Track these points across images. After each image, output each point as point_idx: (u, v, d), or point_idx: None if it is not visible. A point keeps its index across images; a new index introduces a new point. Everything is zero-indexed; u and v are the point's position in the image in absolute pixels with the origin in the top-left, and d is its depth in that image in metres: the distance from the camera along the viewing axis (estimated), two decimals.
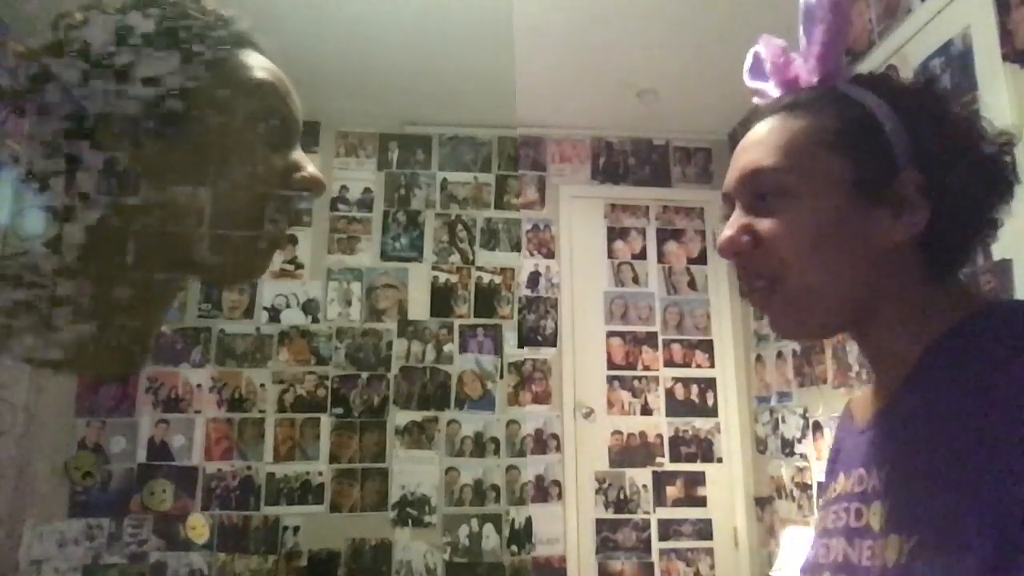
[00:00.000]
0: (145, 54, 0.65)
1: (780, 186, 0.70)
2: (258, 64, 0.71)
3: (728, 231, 0.73)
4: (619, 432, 3.71)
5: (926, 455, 0.61)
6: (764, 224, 0.70)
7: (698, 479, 3.69)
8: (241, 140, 0.68)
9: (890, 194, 0.66)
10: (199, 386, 3.53)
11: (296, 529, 3.44)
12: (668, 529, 3.62)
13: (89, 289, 0.65)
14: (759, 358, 3.63)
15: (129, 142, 0.65)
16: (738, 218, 0.73)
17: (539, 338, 3.78)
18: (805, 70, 0.75)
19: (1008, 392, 0.55)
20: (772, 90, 0.78)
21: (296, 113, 0.73)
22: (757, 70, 0.81)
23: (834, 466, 0.79)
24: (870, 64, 2.65)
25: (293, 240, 3.74)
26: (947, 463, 0.58)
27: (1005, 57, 2.05)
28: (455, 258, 3.85)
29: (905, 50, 2.49)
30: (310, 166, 0.72)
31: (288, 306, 3.69)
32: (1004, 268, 2.04)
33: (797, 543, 2.86)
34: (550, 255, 3.90)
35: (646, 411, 3.75)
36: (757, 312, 3.63)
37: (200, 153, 0.66)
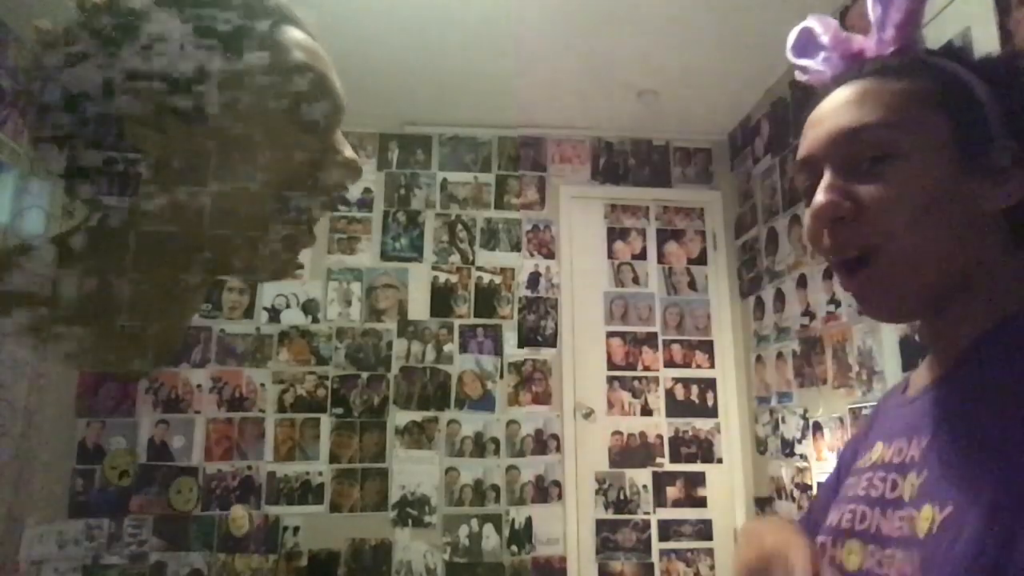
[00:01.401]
0: (176, 36, 0.63)
1: (885, 145, 0.66)
2: (296, 43, 0.68)
3: (827, 195, 0.68)
4: (619, 432, 3.71)
5: (970, 428, 0.60)
6: (867, 190, 0.66)
7: (698, 479, 3.69)
8: (276, 124, 0.66)
9: (988, 161, 0.65)
10: (199, 386, 3.53)
11: (296, 529, 3.44)
12: (668, 530, 3.62)
13: (116, 284, 0.64)
14: (759, 358, 3.63)
15: (155, 129, 0.63)
16: (833, 182, 0.68)
17: (539, 338, 3.78)
18: (876, 41, 0.73)
19: None
20: (820, 66, 0.77)
21: (335, 96, 0.70)
22: (805, 46, 0.78)
23: (868, 433, 0.78)
24: None
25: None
26: (990, 438, 0.57)
27: None
28: (455, 258, 3.85)
29: None
30: (348, 149, 0.70)
31: (288, 306, 3.69)
32: None
33: None
34: (550, 255, 3.90)
35: (646, 411, 3.75)
36: (757, 312, 3.63)
37: (231, 138, 0.65)
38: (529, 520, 3.56)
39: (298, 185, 0.67)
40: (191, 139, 0.64)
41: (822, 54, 0.76)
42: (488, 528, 3.54)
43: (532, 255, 3.89)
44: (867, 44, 0.74)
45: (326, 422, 3.58)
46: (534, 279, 3.85)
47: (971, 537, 0.54)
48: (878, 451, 0.71)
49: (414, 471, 3.56)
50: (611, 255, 3.93)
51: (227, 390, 3.55)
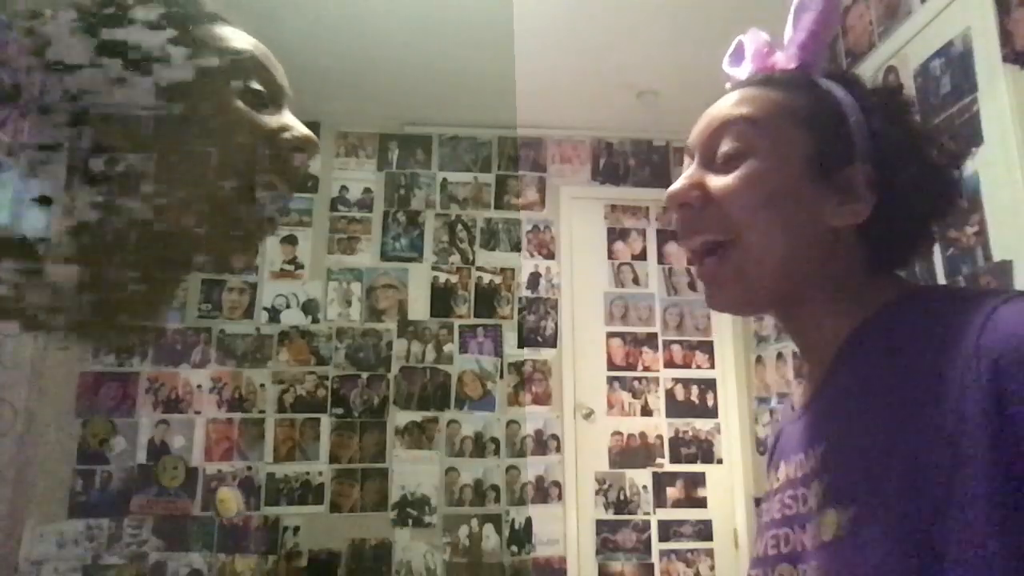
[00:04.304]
0: (120, 34, 0.64)
1: (743, 140, 0.71)
2: (233, 34, 0.71)
3: (679, 182, 0.73)
4: (619, 433, 3.71)
5: (857, 428, 0.63)
6: (717, 181, 0.71)
7: (698, 480, 3.69)
8: (224, 108, 0.68)
9: (841, 180, 0.69)
10: (199, 387, 3.53)
11: (296, 529, 3.44)
12: (668, 530, 3.62)
13: (89, 273, 0.64)
14: (759, 359, 3.62)
15: (109, 124, 0.64)
16: (693, 172, 0.74)
17: (539, 339, 3.78)
18: (784, 57, 0.77)
19: (923, 362, 0.58)
20: (744, 75, 0.81)
21: (278, 77, 0.73)
22: (737, 57, 0.83)
23: (773, 458, 0.80)
24: (870, 65, 2.65)
25: (287, 236, 3.75)
26: (875, 434, 0.60)
27: (1005, 58, 2.05)
28: (455, 258, 3.85)
29: (905, 51, 2.49)
30: (300, 126, 0.72)
31: (288, 306, 3.69)
32: (1004, 269, 2.04)
33: None
34: (550, 256, 3.90)
35: (646, 412, 3.75)
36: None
37: (185, 127, 0.66)
38: (529, 520, 3.56)
39: (255, 169, 0.68)
40: (148, 129, 0.65)
41: (745, 65, 0.81)
42: (488, 528, 3.54)
43: (532, 256, 3.89)
44: (779, 59, 0.78)
45: (326, 422, 3.58)
46: (534, 280, 3.85)
47: (879, 536, 0.56)
48: (783, 471, 0.73)
49: (414, 471, 3.57)
50: (611, 255, 3.93)
51: (227, 390, 3.55)
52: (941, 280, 2.28)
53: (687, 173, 0.74)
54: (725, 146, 0.72)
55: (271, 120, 0.70)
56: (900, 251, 0.73)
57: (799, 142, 0.70)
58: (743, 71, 0.80)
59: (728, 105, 0.74)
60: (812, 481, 0.66)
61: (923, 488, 0.54)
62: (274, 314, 3.67)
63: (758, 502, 3.58)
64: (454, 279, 3.82)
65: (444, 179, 3.96)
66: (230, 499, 3.38)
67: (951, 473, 0.53)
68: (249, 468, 3.49)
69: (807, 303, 0.71)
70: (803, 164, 0.69)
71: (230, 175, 0.67)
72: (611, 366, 3.79)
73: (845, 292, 0.70)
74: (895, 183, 0.68)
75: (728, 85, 0.80)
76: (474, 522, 3.54)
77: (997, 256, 2.07)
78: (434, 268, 3.83)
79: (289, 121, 0.71)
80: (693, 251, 0.74)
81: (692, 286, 3.92)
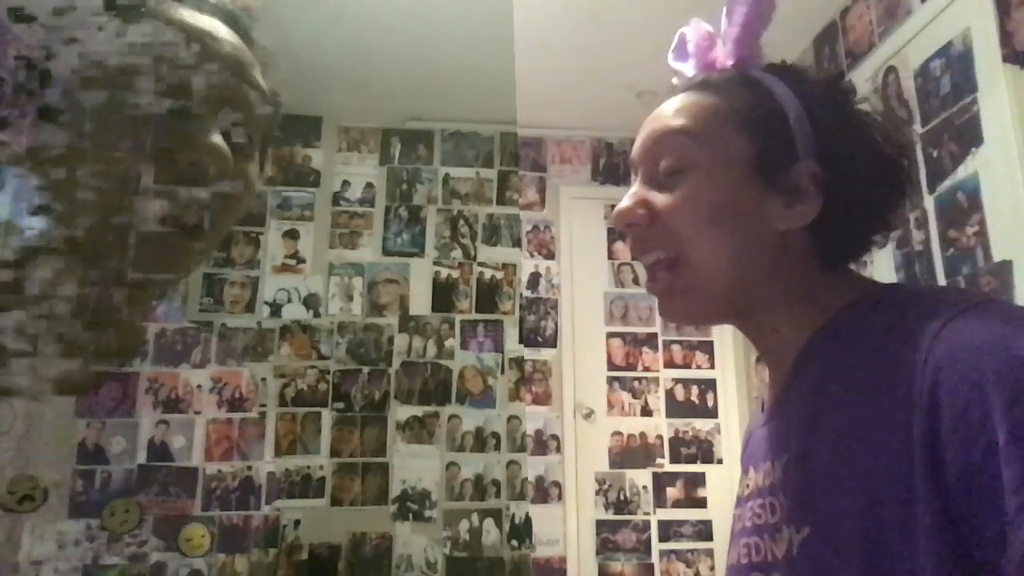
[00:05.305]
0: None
1: (682, 154, 0.69)
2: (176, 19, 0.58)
3: (625, 202, 0.72)
4: (619, 433, 3.71)
5: (813, 444, 0.62)
6: (661, 199, 0.70)
7: (698, 480, 3.69)
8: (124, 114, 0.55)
9: (786, 181, 0.67)
10: (199, 386, 3.52)
11: (297, 523, 3.45)
12: (668, 530, 3.61)
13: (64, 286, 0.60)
14: (759, 359, 3.61)
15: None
16: (636, 190, 0.73)
17: (539, 339, 3.78)
18: (723, 54, 0.75)
19: (878, 375, 0.57)
20: (690, 72, 0.79)
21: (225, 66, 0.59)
22: (680, 52, 0.80)
23: (744, 462, 0.79)
24: (870, 65, 2.65)
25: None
26: (830, 453, 0.59)
27: (1005, 58, 2.05)
28: (456, 253, 3.85)
29: (905, 51, 2.49)
30: (214, 135, 0.58)
31: (289, 300, 3.70)
32: (1004, 269, 2.04)
33: None
34: (550, 256, 3.90)
35: (646, 412, 3.74)
36: None
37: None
38: (529, 516, 3.56)
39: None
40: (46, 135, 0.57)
41: (689, 61, 0.78)
42: (488, 523, 3.54)
43: (532, 256, 3.89)
44: (719, 55, 0.76)
45: (327, 416, 3.59)
46: (534, 280, 3.85)
47: (831, 559, 0.55)
48: (753, 478, 0.72)
49: (415, 466, 3.57)
50: (611, 255, 3.92)
51: (227, 390, 3.55)
52: (941, 281, 2.28)
53: (632, 191, 0.73)
54: (665, 161, 0.71)
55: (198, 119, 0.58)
56: (854, 247, 0.71)
57: (739, 148, 0.68)
58: (688, 68, 0.78)
59: (666, 116, 0.73)
60: (777, 492, 0.65)
61: (875, 514, 0.53)
62: (275, 308, 3.68)
63: None
64: (455, 274, 3.83)
65: (446, 174, 3.96)
66: (199, 536, 3.34)
67: (902, 500, 0.51)
68: (249, 468, 3.48)
69: (764, 310, 0.70)
70: (745, 170, 0.68)
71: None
72: (611, 366, 3.79)
73: (801, 294, 0.68)
74: (842, 178, 0.66)
75: (674, 80, 0.78)
76: (474, 517, 3.55)
77: (997, 256, 2.07)
78: (435, 263, 3.83)
79: (207, 128, 0.59)
80: (648, 267, 0.73)
81: None
